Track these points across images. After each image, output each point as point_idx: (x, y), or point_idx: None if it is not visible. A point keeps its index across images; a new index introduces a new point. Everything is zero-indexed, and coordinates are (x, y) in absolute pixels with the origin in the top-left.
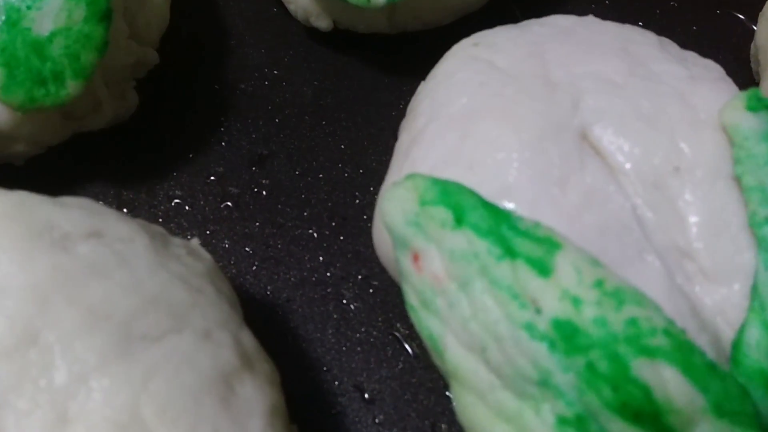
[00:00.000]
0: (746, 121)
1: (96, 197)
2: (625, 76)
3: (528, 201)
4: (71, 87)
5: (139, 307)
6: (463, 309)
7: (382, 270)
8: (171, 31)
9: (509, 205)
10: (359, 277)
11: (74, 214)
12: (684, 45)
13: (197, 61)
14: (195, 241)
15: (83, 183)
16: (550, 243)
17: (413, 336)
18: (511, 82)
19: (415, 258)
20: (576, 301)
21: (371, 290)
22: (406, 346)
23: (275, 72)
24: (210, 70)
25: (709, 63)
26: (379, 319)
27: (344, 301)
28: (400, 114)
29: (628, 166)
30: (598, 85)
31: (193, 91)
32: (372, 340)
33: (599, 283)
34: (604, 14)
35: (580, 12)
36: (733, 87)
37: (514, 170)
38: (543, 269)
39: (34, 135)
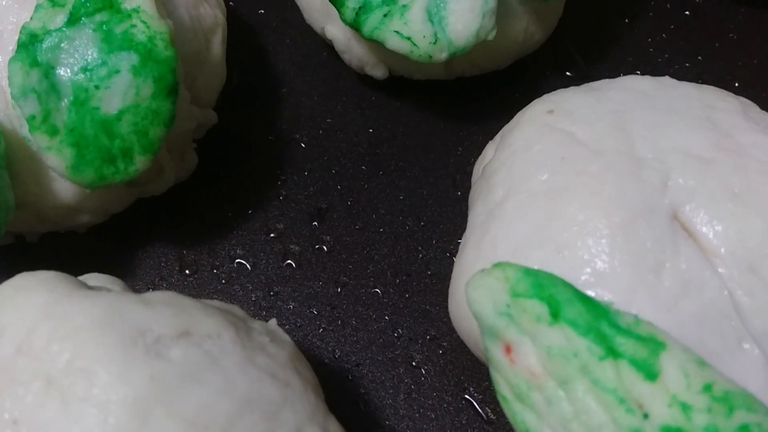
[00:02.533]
0: None
1: (158, 259)
2: (713, 150)
3: (623, 290)
4: (139, 162)
5: (235, 412)
6: (563, 408)
7: (450, 330)
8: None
9: (604, 294)
10: (428, 337)
11: (162, 314)
12: (747, 81)
13: (250, 111)
14: (273, 323)
15: (145, 245)
16: (654, 342)
17: (487, 400)
18: (595, 159)
19: (507, 349)
20: (686, 408)
21: (441, 351)
22: (480, 411)
23: (329, 120)
24: (263, 120)
25: None
26: (451, 382)
27: (414, 364)
28: (458, 161)
29: (722, 250)
30: (686, 160)
31: (247, 143)
32: (445, 405)
33: (708, 388)
34: (663, 49)
35: (637, 47)
36: None
37: (606, 256)
38: (649, 372)
39: (99, 206)
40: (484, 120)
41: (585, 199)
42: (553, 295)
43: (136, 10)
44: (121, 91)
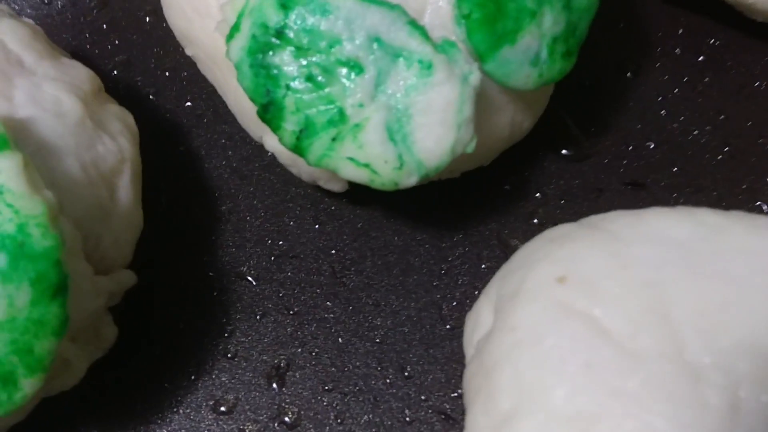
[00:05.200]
0: None
1: None
2: None
3: None
4: (28, 386)
5: None
6: None
7: None
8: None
9: None
10: None
11: None
12: None
13: (181, 242)
14: None
15: None
16: None
17: None
18: (633, 367)
19: None
20: None
21: None
22: None
23: (281, 243)
24: (198, 252)
25: None
26: None
27: None
28: (444, 284)
29: None
30: (759, 366)
31: (181, 287)
32: None
33: None
34: (677, 109)
35: (646, 110)
36: None
37: None
38: None
39: None
40: (470, 225)
41: None
42: None
43: None
44: None
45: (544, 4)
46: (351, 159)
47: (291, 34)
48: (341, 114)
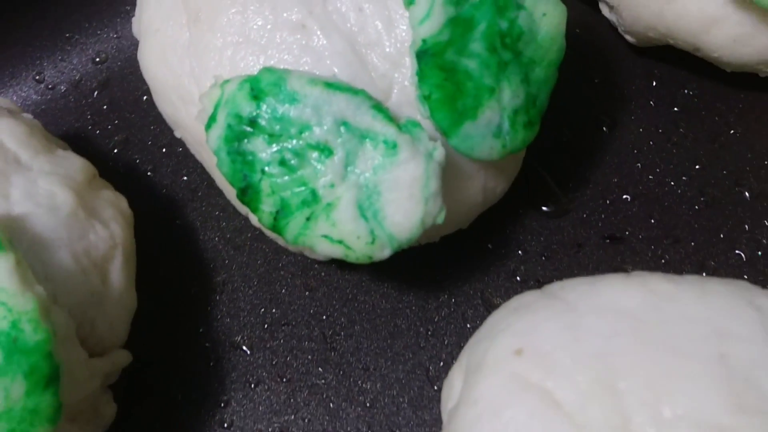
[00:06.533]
0: None
1: None
2: (733, 413)
3: None
4: None
5: None
6: None
7: None
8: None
9: None
10: None
11: None
12: (760, 190)
13: (177, 315)
14: None
15: None
16: None
17: None
18: None
19: None
20: None
21: None
22: None
23: (273, 311)
24: (194, 324)
25: None
26: None
27: None
28: (429, 345)
29: None
30: None
31: (177, 360)
32: None
33: None
34: (653, 161)
35: (622, 163)
36: None
37: None
38: None
39: None
40: (455, 285)
41: None
42: None
43: None
44: None
45: (501, 79)
46: (325, 236)
47: (263, 123)
48: (314, 195)
